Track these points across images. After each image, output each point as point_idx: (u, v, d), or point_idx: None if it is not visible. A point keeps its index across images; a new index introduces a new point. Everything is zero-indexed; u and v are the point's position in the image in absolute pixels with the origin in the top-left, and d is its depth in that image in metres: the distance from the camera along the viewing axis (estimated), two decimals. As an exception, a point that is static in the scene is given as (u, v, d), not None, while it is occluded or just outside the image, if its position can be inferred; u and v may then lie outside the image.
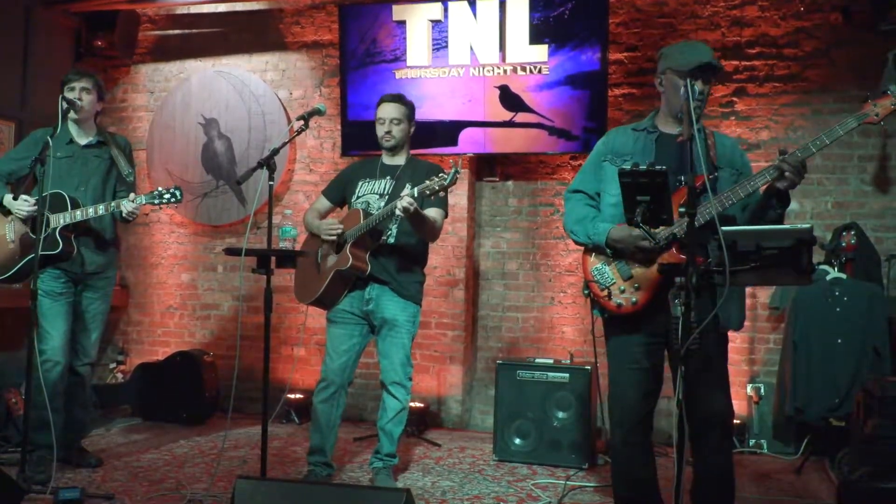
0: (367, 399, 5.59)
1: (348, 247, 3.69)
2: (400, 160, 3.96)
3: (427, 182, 3.42)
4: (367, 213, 3.74)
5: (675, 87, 2.88)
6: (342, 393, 3.88)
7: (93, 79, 4.05)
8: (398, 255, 3.82)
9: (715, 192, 2.77)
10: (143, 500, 3.61)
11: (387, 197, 3.83)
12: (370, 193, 3.89)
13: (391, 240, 3.82)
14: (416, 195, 3.44)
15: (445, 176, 3.37)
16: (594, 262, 2.99)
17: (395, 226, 3.80)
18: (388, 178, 3.90)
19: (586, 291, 3.03)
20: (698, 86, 2.79)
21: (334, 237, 3.77)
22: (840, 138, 2.71)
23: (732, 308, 2.88)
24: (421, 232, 3.76)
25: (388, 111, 3.88)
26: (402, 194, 3.47)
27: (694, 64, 2.82)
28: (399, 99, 3.93)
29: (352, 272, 3.72)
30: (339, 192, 4.05)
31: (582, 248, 3.07)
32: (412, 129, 3.98)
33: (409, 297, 3.86)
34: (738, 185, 2.75)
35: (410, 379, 3.92)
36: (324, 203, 4.08)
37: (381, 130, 3.90)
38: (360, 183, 3.95)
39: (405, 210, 3.44)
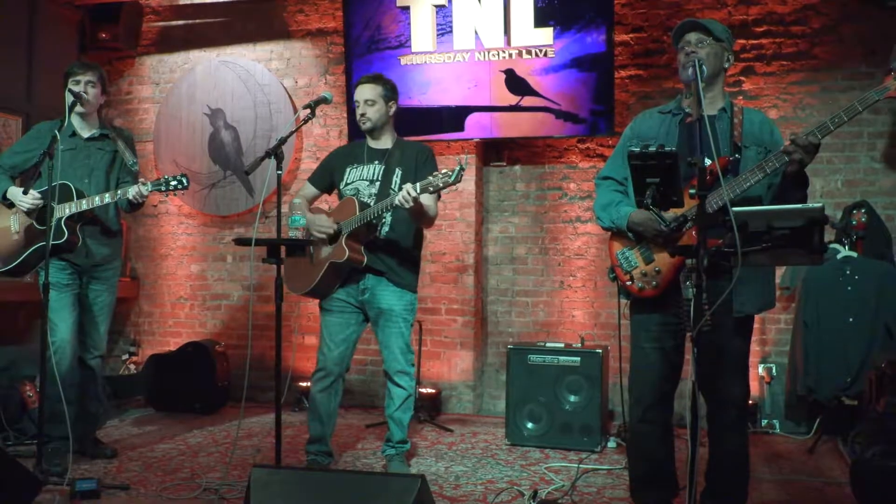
0: (379, 385, 5.60)
1: (344, 238, 3.63)
2: (387, 143, 3.87)
3: (430, 178, 3.37)
4: (361, 203, 3.67)
5: (679, 63, 2.92)
6: (340, 382, 3.86)
7: (97, 72, 4.03)
8: (393, 244, 3.77)
9: (736, 174, 2.76)
10: (159, 490, 3.63)
11: (377, 183, 3.76)
12: (359, 180, 3.81)
13: (385, 228, 3.76)
14: (418, 191, 3.38)
15: (450, 173, 3.32)
16: (619, 247, 3.02)
17: (390, 215, 3.73)
18: (377, 162, 3.82)
19: (612, 275, 3.07)
20: (690, 36, 2.88)
21: (325, 236, 3.70)
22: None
23: (750, 291, 2.87)
24: (418, 222, 3.74)
25: (362, 93, 3.78)
26: (403, 187, 3.43)
27: (676, 30, 2.93)
28: (374, 79, 3.82)
29: (348, 264, 3.67)
30: (327, 179, 3.96)
31: (609, 233, 3.08)
32: (392, 109, 3.85)
33: (404, 286, 3.81)
34: (757, 165, 2.73)
35: (413, 365, 3.88)
36: (311, 190, 3.99)
37: (357, 114, 3.81)
38: (347, 169, 3.86)
39: (401, 204, 3.41)
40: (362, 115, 3.79)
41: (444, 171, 3.37)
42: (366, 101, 3.77)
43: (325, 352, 3.82)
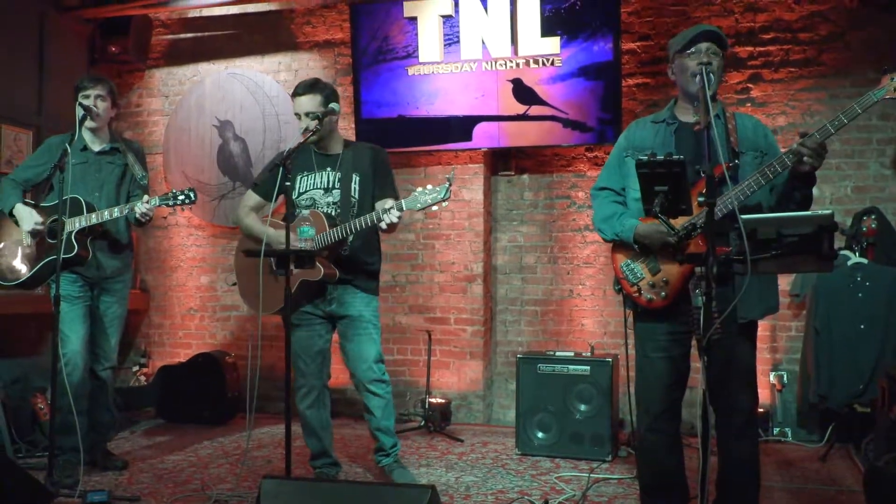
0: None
1: (311, 242, 3.51)
2: (336, 148, 3.73)
3: (416, 195, 3.31)
4: (327, 216, 3.56)
5: (683, 69, 2.91)
6: (325, 392, 3.80)
7: (107, 85, 4.06)
8: (357, 251, 3.67)
9: (736, 181, 2.75)
10: (170, 501, 3.64)
11: (335, 191, 3.64)
12: (313, 188, 3.68)
13: (350, 238, 3.63)
14: (403, 209, 3.31)
15: (439, 190, 3.27)
16: (622, 259, 2.99)
17: (353, 233, 3.60)
18: (329, 169, 3.68)
19: (617, 287, 3.04)
20: (703, 57, 2.80)
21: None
22: (858, 117, 2.68)
23: (753, 296, 2.86)
24: (391, 231, 3.57)
25: (303, 104, 3.59)
26: (386, 207, 3.34)
27: (690, 36, 2.86)
28: (312, 88, 3.61)
29: (323, 280, 3.56)
30: (271, 184, 3.61)
31: (610, 244, 3.07)
32: (337, 117, 3.69)
33: (370, 291, 3.73)
34: (759, 171, 2.71)
35: (386, 372, 3.77)
36: (255, 199, 3.81)
37: (300, 126, 3.60)
38: (297, 178, 3.68)
39: (391, 226, 3.37)
40: (305, 128, 3.55)
41: (429, 187, 3.30)
42: (307, 115, 3.58)
43: (302, 367, 3.73)
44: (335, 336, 3.82)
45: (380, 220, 3.38)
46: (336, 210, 3.64)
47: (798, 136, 2.69)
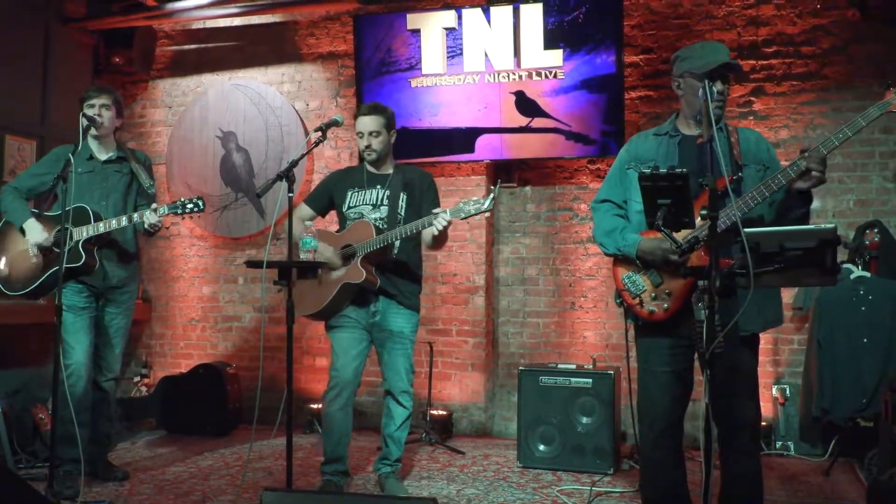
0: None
1: (359, 260, 3.63)
2: (387, 169, 3.91)
3: (461, 205, 3.41)
4: (377, 228, 3.69)
5: (693, 89, 2.86)
6: (353, 398, 3.86)
7: (112, 95, 4.07)
8: (401, 266, 3.81)
9: (739, 194, 2.74)
10: (170, 512, 3.63)
11: (383, 207, 3.80)
12: (362, 204, 3.84)
13: (395, 251, 3.79)
14: (449, 216, 3.42)
15: (482, 201, 3.36)
16: (624, 272, 2.97)
17: (399, 239, 3.73)
18: (379, 187, 3.85)
19: (618, 300, 3.02)
20: (717, 86, 2.76)
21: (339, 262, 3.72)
22: (862, 131, 2.68)
23: (753, 309, 2.85)
24: (436, 246, 3.78)
25: (366, 124, 3.81)
26: (435, 211, 3.47)
27: (712, 65, 2.79)
28: (375, 110, 3.84)
29: (364, 286, 3.68)
30: (325, 202, 3.99)
31: (611, 257, 3.06)
32: (393, 137, 3.91)
33: (413, 308, 3.87)
34: (763, 183, 2.70)
35: (412, 385, 3.92)
36: (307, 212, 4.00)
37: (361, 144, 3.85)
38: (349, 193, 3.89)
39: (439, 239, 3.55)
40: (367, 146, 3.81)
41: (474, 198, 3.41)
42: (371, 133, 3.80)
43: (340, 367, 3.80)
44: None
45: (430, 224, 3.48)
46: (383, 224, 3.76)
47: (800, 152, 2.68)
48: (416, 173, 3.94)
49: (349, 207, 3.87)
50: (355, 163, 5.78)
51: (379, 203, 3.82)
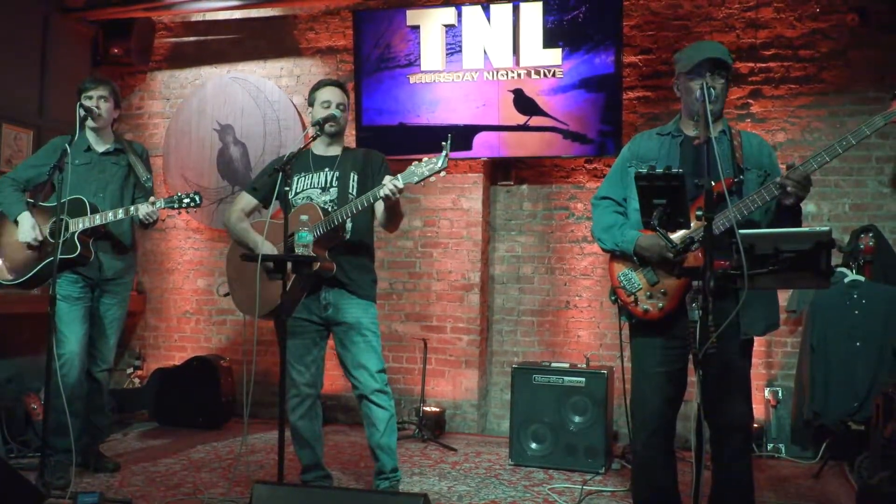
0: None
1: (311, 246, 3.28)
2: (336, 150, 3.65)
3: (413, 168, 3.18)
4: (323, 210, 3.42)
5: (687, 89, 2.90)
6: (317, 403, 3.64)
7: (109, 86, 4.07)
8: (353, 253, 3.53)
9: (740, 196, 2.76)
10: (161, 504, 3.63)
11: (332, 189, 3.54)
12: (310, 188, 3.57)
13: (347, 236, 3.52)
14: (401, 185, 3.18)
15: (435, 160, 3.12)
16: (620, 269, 2.98)
17: (350, 222, 3.50)
18: (327, 169, 3.58)
19: (613, 297, 3.03)
20: (708, 81, 2.74)
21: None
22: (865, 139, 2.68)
23: (755, 313, 2.86)
24: (394, 222, 3.51)
25: (337, 94, 3.57)
26: (386, 179, 3.22)
27: (696, 60, 2.82)
28: (342, 85, 3.64)
29: (320, 272, 3.38)
30: (269, 189, 3.54)
31: (608, 254, 3.06)
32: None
33: (367, 297, 3.57)
34: (757, 192, 2.72)
35: (387, 382, 3.59)
36: (250, 201, 3.70)
37: (323, 114, 3.53)
38: (295, 178, 3.56)
39: (387, 198, 3.20)
40: (333, 117, 3.54)
41: (425, 159, 3.17)
42: (339, 105, 3.58)
43: (296, 377, 3.56)
44: (330, 342, 3.70)
45: (376, 198, 3.26)
46: (333, 207, 3.50)
47: (786, 168, 2.69)
48: (365, 154, 3.70)
49: (296, 193, 3.56)
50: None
51: (328, 186, 3.56)
